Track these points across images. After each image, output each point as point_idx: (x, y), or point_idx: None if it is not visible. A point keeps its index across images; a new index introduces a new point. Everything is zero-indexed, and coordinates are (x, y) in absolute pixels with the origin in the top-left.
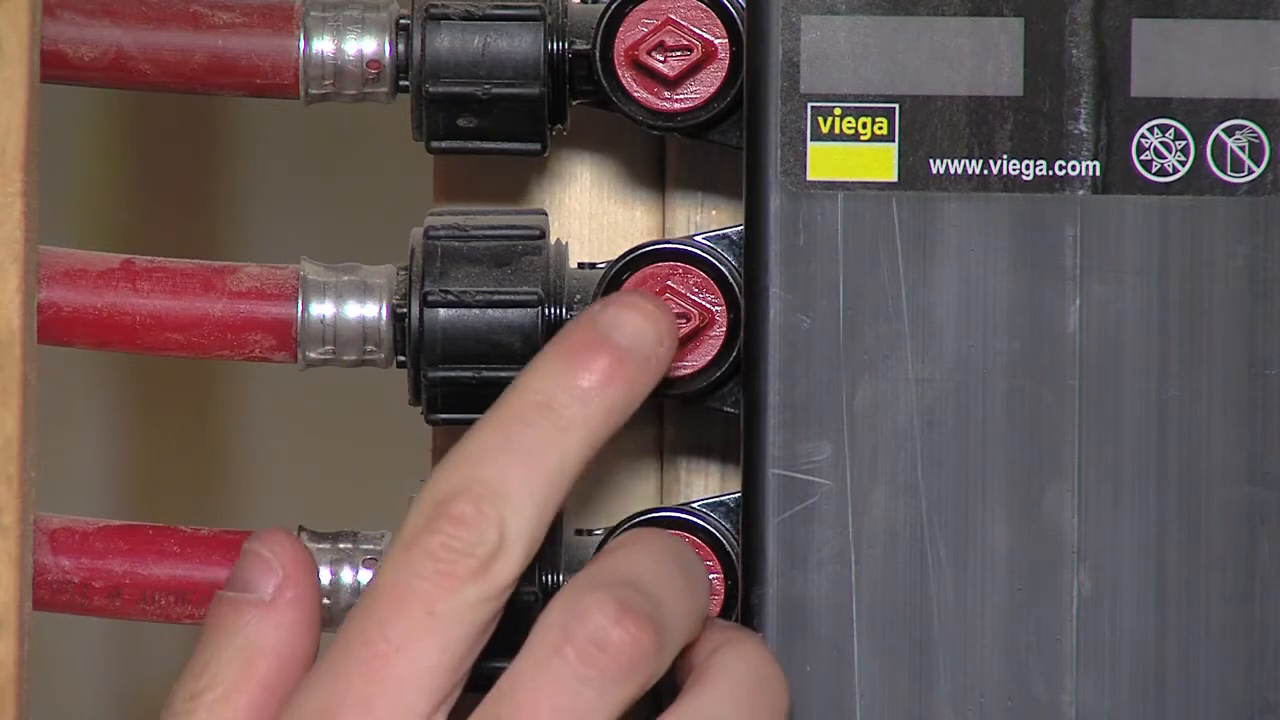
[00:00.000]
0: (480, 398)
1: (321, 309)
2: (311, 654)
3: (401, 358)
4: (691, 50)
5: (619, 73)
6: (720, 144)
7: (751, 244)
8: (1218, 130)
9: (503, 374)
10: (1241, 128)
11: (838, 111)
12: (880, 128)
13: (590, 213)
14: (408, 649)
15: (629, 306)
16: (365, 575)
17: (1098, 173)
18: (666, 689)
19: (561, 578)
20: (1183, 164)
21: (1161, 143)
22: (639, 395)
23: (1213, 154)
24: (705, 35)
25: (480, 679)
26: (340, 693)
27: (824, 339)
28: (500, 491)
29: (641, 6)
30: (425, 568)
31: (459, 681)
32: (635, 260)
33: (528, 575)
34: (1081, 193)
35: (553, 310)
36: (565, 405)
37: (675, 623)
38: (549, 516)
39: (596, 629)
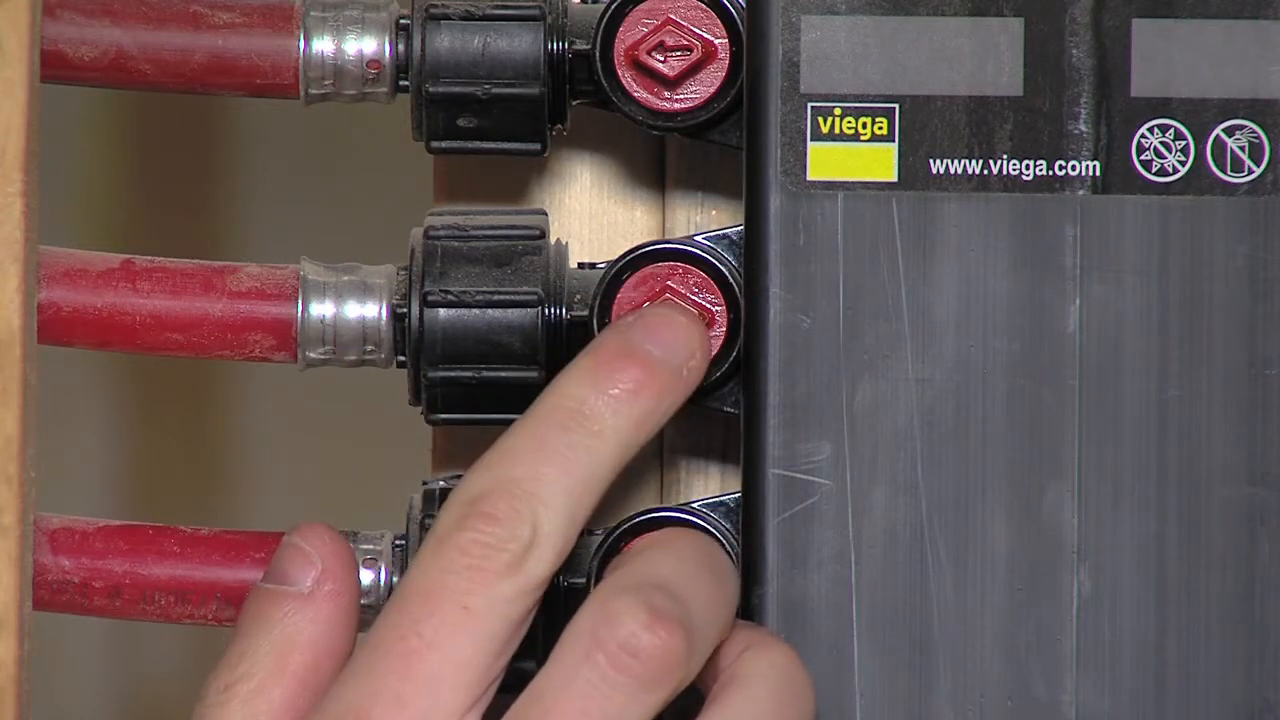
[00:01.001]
0: (480, 398)
1: (321, 309)
2: (348, 648)
3: (401, 358)
4: (691, 50)
5: (619, 73)
6: (720, 144)
7: (751, 244)
8: (1218, 130)
9: (503, 374)
10: (1241, 128)
11: (838, 111)
12: (880, 128)
13: (590, 213)
14: (441, 645)
15: (662, 319)
16: (366, 575)
17: (1098, 173)
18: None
19: (561, 578)
20: (1183, 164)
21: (1161, 143)
22: (670, 407)
23: (1213, 154)
24: (705, 35)
25: (505, 681)
26: (373, 690)
27: (824, 339)
28: (532, 490)
29: (641, 6)
30: (457, 563)
31: (494, 679)
32: (635, 260)
33: None
34: (1081, 193)
35: (553, 310)
36: (597, 412)
37: (705, 625)
38: (581, 519)
39: (628, 635)
